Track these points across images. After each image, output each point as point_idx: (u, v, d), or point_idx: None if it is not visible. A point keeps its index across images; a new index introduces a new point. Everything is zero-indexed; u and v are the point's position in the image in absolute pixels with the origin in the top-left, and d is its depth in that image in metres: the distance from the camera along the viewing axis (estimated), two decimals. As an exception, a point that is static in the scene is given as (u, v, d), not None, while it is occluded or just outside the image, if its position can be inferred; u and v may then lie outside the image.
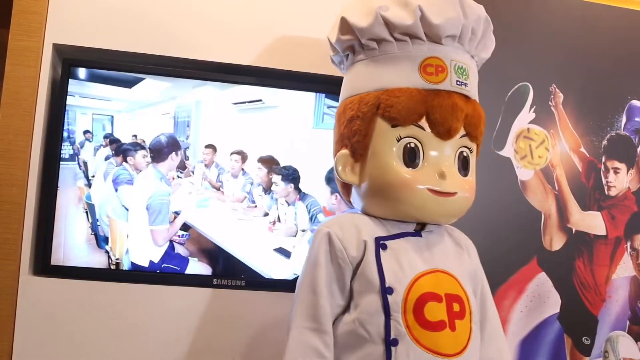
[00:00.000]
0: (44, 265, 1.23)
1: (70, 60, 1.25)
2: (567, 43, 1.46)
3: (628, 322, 1.45)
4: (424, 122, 0.91)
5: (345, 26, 0.96)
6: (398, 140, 0.91)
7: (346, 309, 0.92)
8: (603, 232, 1.45)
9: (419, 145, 0.91)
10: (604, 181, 1.47)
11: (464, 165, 0.95)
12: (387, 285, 0.88)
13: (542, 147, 1.44)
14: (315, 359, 0.88)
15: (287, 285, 1.29)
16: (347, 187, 1.00)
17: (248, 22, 1.32)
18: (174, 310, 1.24)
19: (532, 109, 1.43)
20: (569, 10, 1.47)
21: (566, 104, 1.45)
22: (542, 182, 1.43)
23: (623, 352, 1.44)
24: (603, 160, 1.47)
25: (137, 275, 1.25)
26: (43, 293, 1.21)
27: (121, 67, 1.27)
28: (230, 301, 1.26)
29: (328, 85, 1.29)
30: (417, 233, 0.95)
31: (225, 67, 1.31)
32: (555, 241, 1.43)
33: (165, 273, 1.26)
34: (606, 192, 1.47)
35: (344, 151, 0.96)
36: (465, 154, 0.95)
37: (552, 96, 1.45)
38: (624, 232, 1.47)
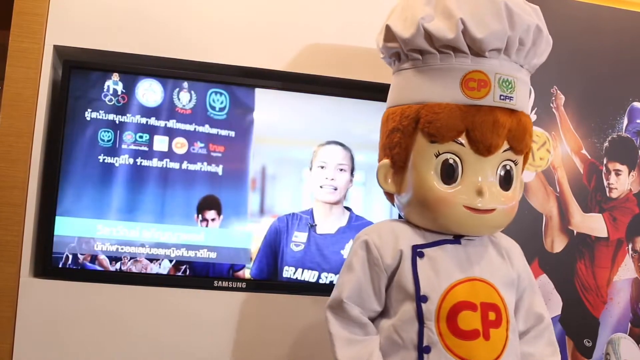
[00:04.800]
0: (44, 268, 1.23)
1: (70, 61, 1.25)
2: (568, 45, 1.46)
3: (629, 324, 1.45)
4: (463, 138, 0.89)
5: (389, 34, 0.94)
6: (436, 156, 0.90)
7: (382, 315, 0.94)
8: (604, 234, 1.45)
9: (457, 161, 0.90)
10: (605, 183, 1.46)
11: (506, 179, 0.93)
12: (421, 294, 0.89)
13: (544, 149, 1.43)
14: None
15: (290, 287, 1.29)
16: (391, 193, 0.99)
17: (249, 23, 1.31)
18: (174, 312, 1.24)
19: (534, 111, 1.43)
20: (570, 12, 1.47)
21: (567, 105, 1.45)
22: (543, 184, 1.43)
23: (624, 354, 1.43)
24: (604, 162, 1.47)
25: (138, 277, 1.25)
26: (43, 295, 1.21)
27: (122, 69, 1.27)
28: (231, 303, 1.26)
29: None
30: (456, 240, 0.94)
31: (225, 68, 1.31)
32: (557, 243, 1.43)
33: (165, 275, 1.26)
34: (607, 194, 1.46)
35: (386, 161, 0.96)
36: (508, 167, 0.93)
37: (553, 98, 1.44)
38: (625, 234, 1.46)
